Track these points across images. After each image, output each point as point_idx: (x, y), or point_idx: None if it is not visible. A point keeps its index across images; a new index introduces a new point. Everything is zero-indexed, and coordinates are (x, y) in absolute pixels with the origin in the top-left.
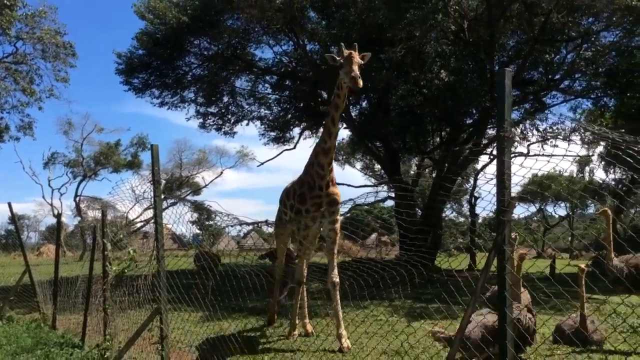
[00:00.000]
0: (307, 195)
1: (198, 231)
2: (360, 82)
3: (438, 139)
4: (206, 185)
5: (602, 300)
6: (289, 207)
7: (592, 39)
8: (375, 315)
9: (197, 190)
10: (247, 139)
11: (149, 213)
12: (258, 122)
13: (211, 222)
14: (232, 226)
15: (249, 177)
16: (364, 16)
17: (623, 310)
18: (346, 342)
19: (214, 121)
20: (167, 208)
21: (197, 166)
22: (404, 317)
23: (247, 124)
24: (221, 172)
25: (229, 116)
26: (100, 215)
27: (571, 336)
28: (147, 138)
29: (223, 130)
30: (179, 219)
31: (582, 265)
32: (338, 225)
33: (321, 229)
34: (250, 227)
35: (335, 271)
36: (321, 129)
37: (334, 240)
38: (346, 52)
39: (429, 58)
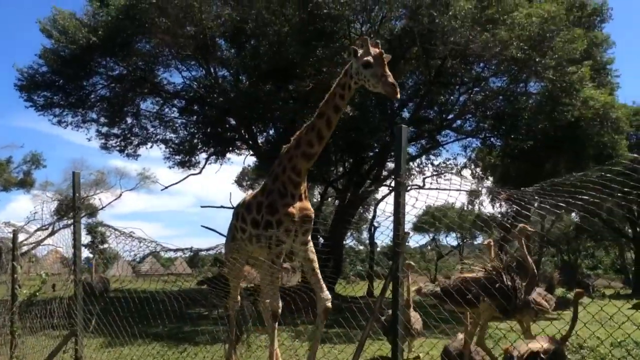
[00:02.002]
0: (279, 203)
1: (90, 255)
2: (398, 92)
3: (341, 169)
4: (103, 207)
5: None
6: (249, 222)
7: (482, 84)
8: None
9: (92, 212)
10: (151, 160)
11: (40, 235)
12: (163, 146)
13: (105, 246)
14: (156, 252)
15: (150, 199)
16: (275, 49)
17: (499, 335)
18: None
19: (116, 142)
20: (58, 230)
21: (94, 187)
22: (306, 342)
23: (151, 147)
24: (120, 194)
25: (133, 138)
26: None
27: (456, 357)
28: (42, 156)
29: (126, 152)
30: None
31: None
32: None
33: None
34: (147, 251)
35: (325, 291)
36: (228, 154)
37: (315, 259)
38: (374, 49)
39: None
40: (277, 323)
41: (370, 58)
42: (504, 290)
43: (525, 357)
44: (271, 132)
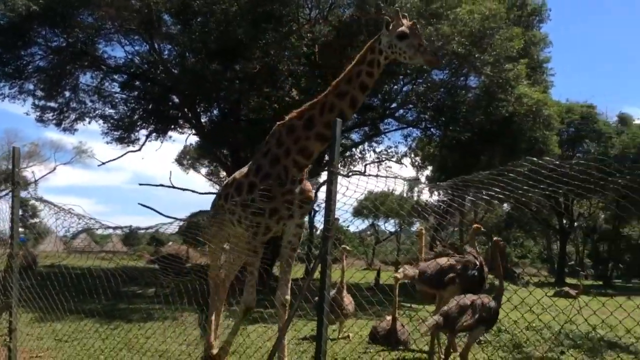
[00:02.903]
0: (277, 190)
1: (21, 229)
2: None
3: None
4: (36, 181)
5: (416, 308)
6: (240, 204)
7: (425, 76)
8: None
9: (25, 186)
10: (89, 134)
11: None
12: (101, 121)
13: (36, 220)
14: (92, 229)
15: (85, 174)
16: (222, 28)
17: (425, 315)
18: None
19: (53, 116)
20: None
21: (27, 160)
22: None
23: (89, 122)
24: (54, 168)
25: (70, 112)
26: None
27: (384, 337)
28: None
29: (63, 126)
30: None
31: (398, 275)
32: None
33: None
34: (81, 228)
35: (289, 286)
36: (170, 132)
37: (296, 248)
38: (406, 21)
39: (281, 75)
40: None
41: (405, 29)
42: (474, 277)
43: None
44: (215, 111)
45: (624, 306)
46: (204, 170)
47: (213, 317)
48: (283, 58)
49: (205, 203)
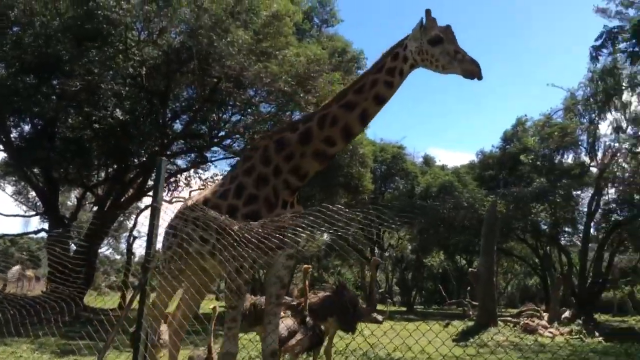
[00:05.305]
0: (265, 215)
1: None
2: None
3: (104, 174)
4: None
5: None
6: (214, 230)
7: (253, 108)
8: (17, 353)
9: None
10: None
11: None
12: None
13: None
14: None
15: None
16: (42, 41)
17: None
18: None
19: None
20: None
21: None
22: (48, 354)
23: None
24: None
25: None
26: None
27: None
28: None
29: None
30: None
31: (212, 306)
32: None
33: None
34: None
35: (277, 334)
36: None
37: (286, 284)
38: (435, 26)
39: (105, 96)
40: None
41: (439, 32)
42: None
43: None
44: (27, 127)
45: (420, 329)
46: (10, 189)
47: None
48: (107, 78)
49: (11, 225)
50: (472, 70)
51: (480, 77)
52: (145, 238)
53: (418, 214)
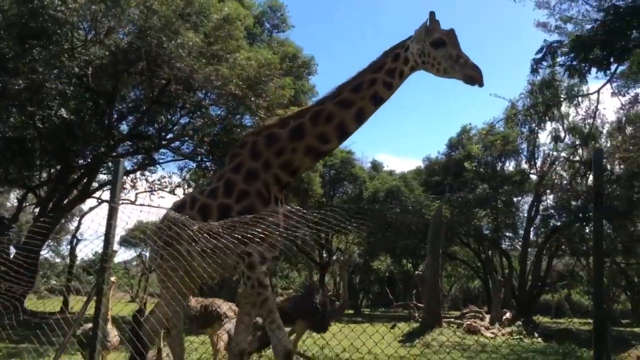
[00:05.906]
0: (260, 209)
1: None
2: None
3: (46, 175)
4: None
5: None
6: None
7: (203, 110)
8: None
9: None
10: None
11: None
12: None
13: None
14: None
15: None
16: None
17: (197, 345)
18: None
19: None
20: None
21: None
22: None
23: None
24: None
25: None
26: None
27: None
28: None
29: None
30: None
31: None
32: None
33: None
34: None
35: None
36: None
37: (267, 285)
38: (439, 28)
39: (49, 95)
40: None
41: (442, 35)
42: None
43: None
44: None
45: (367, 331)
46: None
47: None
48: (51, 77)
49: None
50: (473, 76)
51: (481, 84)
52: (87, 241)
53: (369, 217)
